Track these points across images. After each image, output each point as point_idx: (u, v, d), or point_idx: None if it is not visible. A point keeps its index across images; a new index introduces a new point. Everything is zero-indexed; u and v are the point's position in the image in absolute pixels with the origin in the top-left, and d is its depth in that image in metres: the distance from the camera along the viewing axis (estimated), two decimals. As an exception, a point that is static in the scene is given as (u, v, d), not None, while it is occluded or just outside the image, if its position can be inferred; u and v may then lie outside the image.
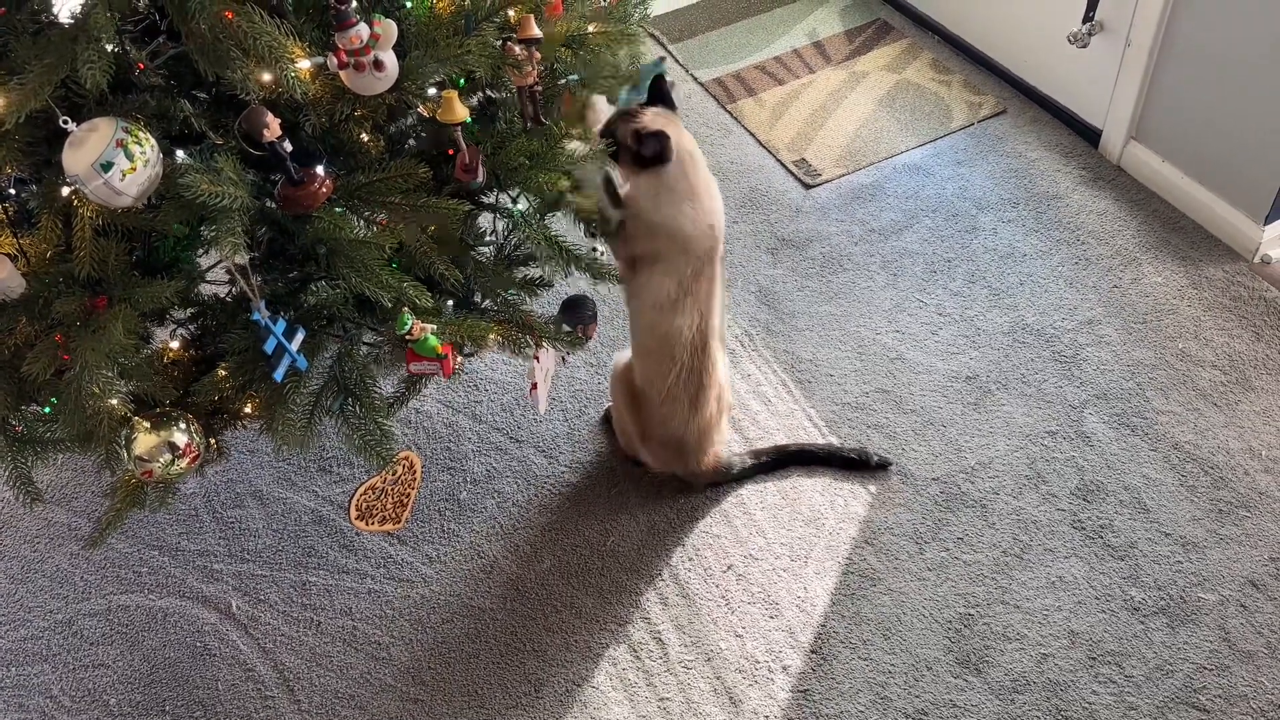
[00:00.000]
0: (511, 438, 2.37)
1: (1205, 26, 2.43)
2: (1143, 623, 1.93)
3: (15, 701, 1.99)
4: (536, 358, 1.97)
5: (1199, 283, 2.51)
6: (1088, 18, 2.74)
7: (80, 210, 1.43)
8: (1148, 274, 2.55)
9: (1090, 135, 2.91)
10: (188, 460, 1.54)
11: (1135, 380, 2.32)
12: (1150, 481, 2.13)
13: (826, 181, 2.89)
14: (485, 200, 1.89)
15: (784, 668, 1.93)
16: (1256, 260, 2.53)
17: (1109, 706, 1.83)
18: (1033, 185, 2.83)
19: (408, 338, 1.59)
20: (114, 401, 1.51)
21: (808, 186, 2.89)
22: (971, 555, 2.06)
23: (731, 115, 3.14)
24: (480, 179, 1.63)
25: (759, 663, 1.94)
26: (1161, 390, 2.29)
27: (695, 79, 3.30)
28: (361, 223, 1.61)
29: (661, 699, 1.91)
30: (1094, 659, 1.89)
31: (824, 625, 1.98)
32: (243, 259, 1.42)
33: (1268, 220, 2.47)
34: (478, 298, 1.95)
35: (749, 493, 2.20)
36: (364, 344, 1.78)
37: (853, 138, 3.02)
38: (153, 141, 1.37)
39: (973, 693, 1.87)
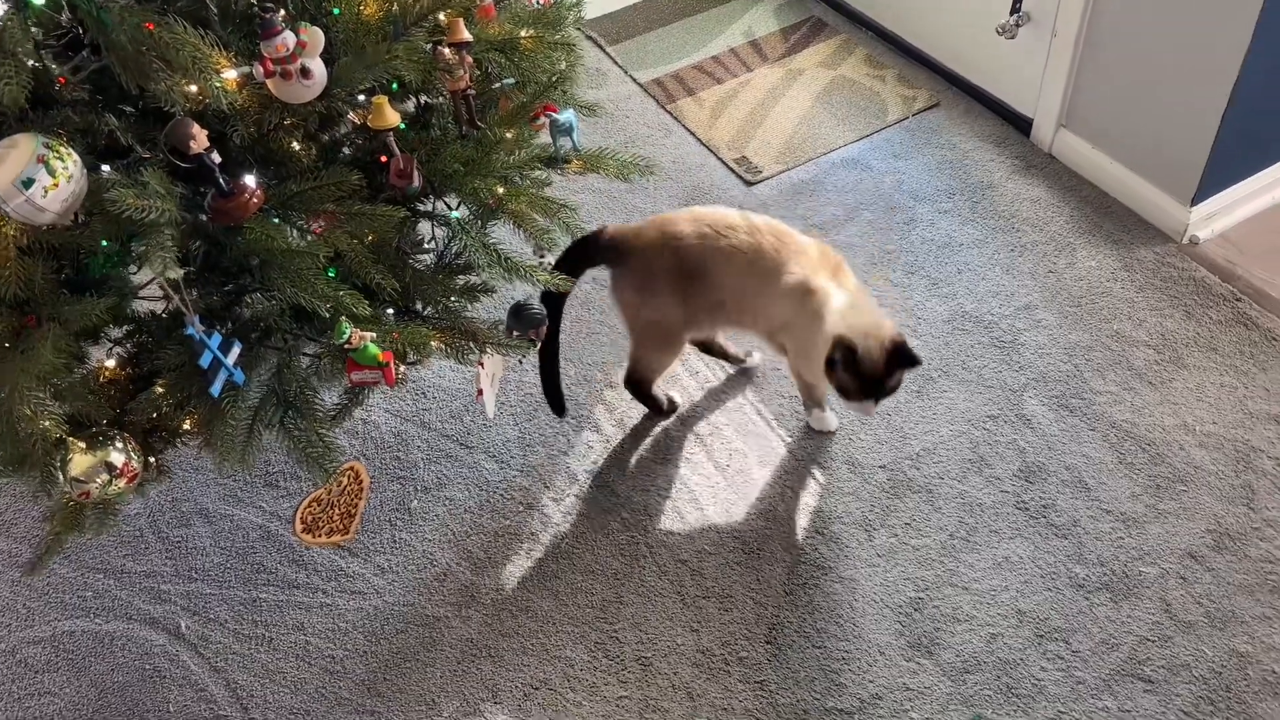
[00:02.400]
0: (461, 444, 2.36)
1: (1127, 15, 2.49)
2: (1087, 599, 1.97)
3: (-41, 735, 1.95)
4: (481, 364, 1.97)
5: (1131, 265, 2.57)
6: (1015, 9, 2.80)
7: (2, 229, 1.40)
8: (1081, 258, 2.61)
9: (1022, 124, 2.97)
10: (126, 480, 1.52)
11: (1073, 362, 2.37)
12: (1090, 460, 2.18)
13: (767, 178, 2.92)
14: (423, 208, 1.88)
15: (740, 659, 1.94)
16: (1185, 241, 2.60)
17: (1058, 682, 1.86)
18: (968, 175, 2.88)
19: (347, 347, 1.58)
20: (47, 424, 1.49)
21: (749, 184, 2.91)
22: (919, 540, 2.09)
23: (671, 115, 3.16)
24: (415, 184, 1.62)
25: (715, 655, 1.96)
26: (1098, 371, 2.35)
27: (634, 80, 3.31)
28: (296, 233, 1.59)
29: (619, 698, 1.92)
30: (1041, 636, 1.93)
31: (777, 616, 2.00)
32: (174, 273, 1.40)
33: (1194, 201, 2.54)
34: (419, 306, 1.94)
35: (701, 488, 2.22)
36: (304, 355, 1.76)
37: (791, 134, 3.05)
38: (76, 157, 1.34)
39: (925, 675, 1.90)
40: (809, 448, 2.27)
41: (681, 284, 2.07)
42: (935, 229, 2.73)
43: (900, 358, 1.86)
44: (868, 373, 1.86)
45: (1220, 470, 2.13)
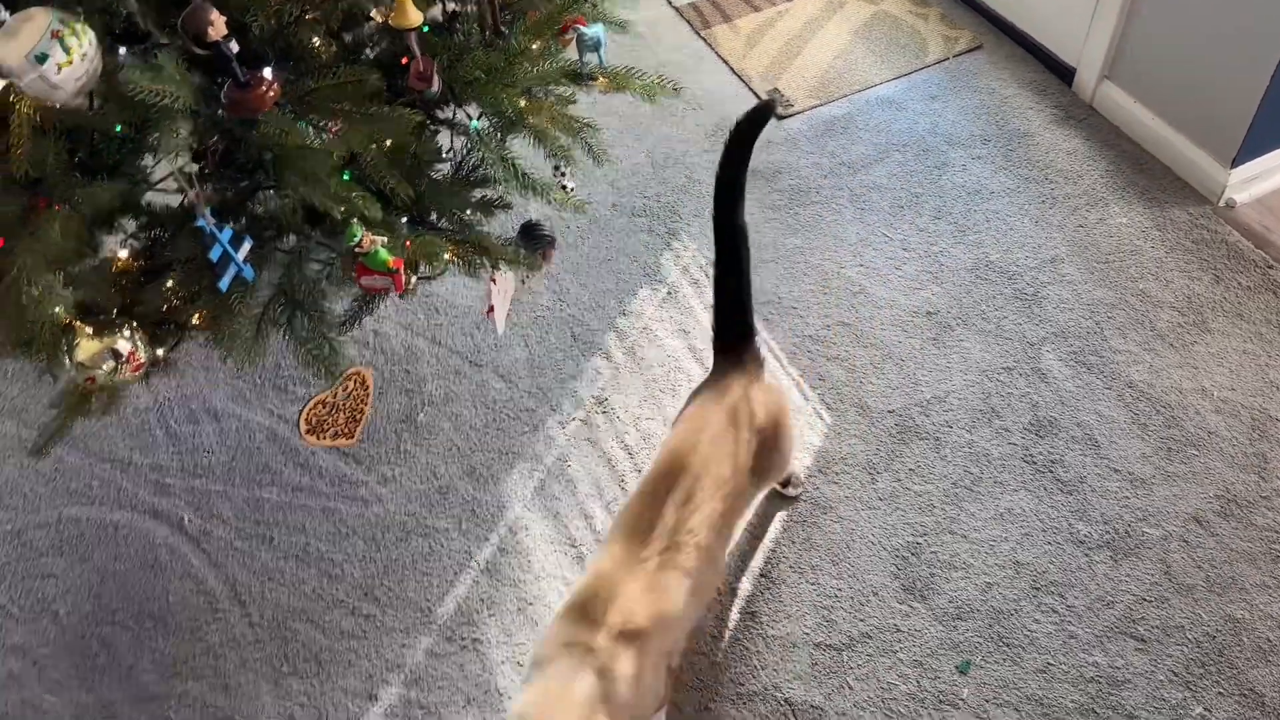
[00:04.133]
0: (471, 362, 2.35)
1: (1183, -37, 2.40)
2: (1087, 555, 1.96)
3: (-36, 610, 1.99)
4: (493, 279, 1.95)
5: (1163, 224, 2.51)
6: (1067, -48, 2.70)
7: (17, 106, 1.38)
8: (1113, 214, 2.55)
9: (1065, 74, 2.89)
10: (132, 369, 1.52)
11: (1094, 319, 2.33)
12: (1103, 419, 2.16)
13: (799, 113, 2.86)
14: (442, 116, 1.85)
15: (732, 590, 1.95)
16: (1221, 204, 2.53)
17: (1049, 634, 1.86)
18: (1004, 122, 2.81)
19: (358, 250, 1.56)
20: (58, 309, 1.49)
21: (780, 118, 2.85)
22: (922, 486, 2.08)
23: (705, 41, 3.09)
24: (435, 88, 1.59)
25: (709, 586, 1.96)
26: (1119, 330, 2.31)
27: (669, 2, 3.23)
28: (311, 130, 1.57)
29: (611, 620, 1.93)
30: (1037, 589, 1.93)
31: (774, 551, 2.00)
32: (185, 161, 1.38)
33: (1234, 163, 2.46)
34: (433, 217, 1.91)
35: (706, 421, 2.21)
36: (315, 260, 1.75)
37: (827, 69, 2.97)
38: (91, 36, 1.32)
39: (917, 618, 1.90)
40: (820, 389, 2.25)
41: None
42: (966, 175, 2.67)
43: None
44: None
45: (1234, 437, 2.10)
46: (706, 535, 1.58)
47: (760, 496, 2.03)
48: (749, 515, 2.03)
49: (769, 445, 1.75)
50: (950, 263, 2.47)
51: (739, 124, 1.71)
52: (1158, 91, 2.61)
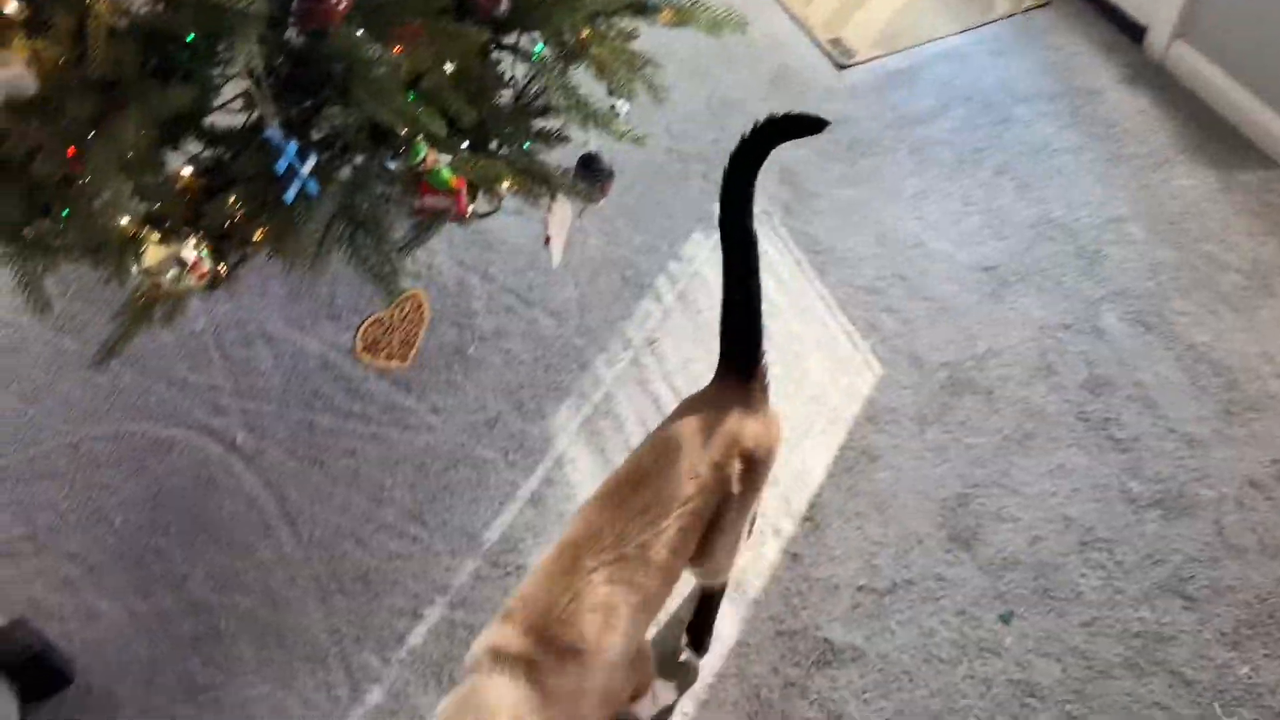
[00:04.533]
0: (522, 299, 2.36)
1: (1270, -84, 2.32)
2: (1138, 514, 1.93)
3: (24, 516, 2.04)
4: (551, 209, 1.95)
5: (1230, 187, 2.45)
6: (1147, -96, 2.62)
7: (94, 7, 1.39)
8: (1179, 175, 2.49)
9: (1135, 32, 2.81)
10: (196, 277, 1.54)
11: (1156, 280, 2.28)
12: (1161, 379, 2.12)
13: (860, 63, 2.82)
14: (506, 41, 1.84)
15: (775, 531, 1.95)
16: (1294, 168, 2.46)
17: (1096, 589, 1.85)
18: (1072, 80, 2.75)
19: (421, 168, 1.57)
20: (125, 220, 1.51)
21: (841, 67, 2.81)
22: (973, 439, 2.06)
23: (767, -10, 3.05)
24: (502, 7, 1.58)
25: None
26: (1182, 291, 2.26)
27: (732, -49, 3.18)
28: (380, 47, 1.57)
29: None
30: (1085, 544, 1.91)
31: (819, 495, 2.00)
32: (258, 69, 1.38)
33: (1311, 127, 2.40)
34: (494, 144, 1.91)
35: (756, 365, 2.20)
36: (378, 180, 1.75)
37: (891, 19, 2.92)
38: (168, -63, 1.33)
39: (961, 568, 1.89)
40: (871, 339, 2.23)
41: None
42: (1031, 131, 2.62)
43: None
44: None
45: (1296, 403, 2.06)
46: (662, 554, 1.42)
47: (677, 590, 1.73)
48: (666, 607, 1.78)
49: (740, 497, 1.53)
50: (1012, 218, 2.43)
51: (778, 121, 1.48)
52: (1231, 52, 2.53)
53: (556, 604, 1.33)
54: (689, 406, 1.58)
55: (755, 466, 1.54)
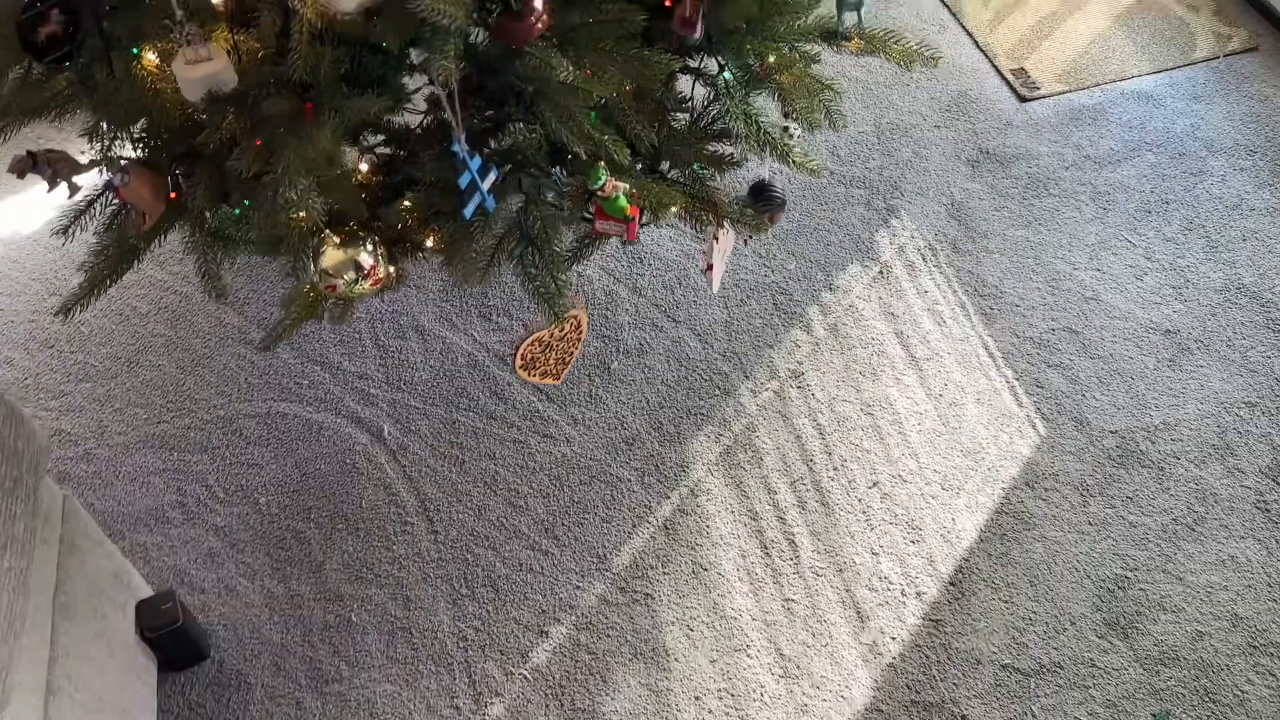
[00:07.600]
0: (669, 316, 2.32)
1: None
2: (1318, 621, 1.78)
3: (175, 485, 2.11)
4: (716, 237, 1.90)
5: None
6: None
7: (301, 11, 1.41)
8: (1396, 250, 2.28)
9: (1357, 86, 2.59)
10: (371, 282, 1.55)
11: (1359, 364, 2.10)
12: (1356, 475, 1.95)
13: (1045, 96, 2.67)
14: (690, 64, 1.80)
15: (918, 594, 1.87)
16: None
17: (1264, 699, 1.71)
18: (1276, 133, 2.55)
19: (599, 194, 1.54)
20: (303, 214, 1.52)
21: (1023, 99, 2.67)
22: (1139, 517, 1.93)
23: (950, 10, 2.92)
24: (697, 35, 1.54)
25: (892, 584, 1.89)
26: (1388, 380, 2.07)
27: (916, -32, 3.07)
28: (570, 67, 1.54)
29: (787, 599, 1.89)
30: (1255, 647, 1.77)
31: (967, 560, 1.90)
32: (453, 83, 1.38)
33: None
34: (665, 166, 1.88)
35: (907, 412, 2.11)
36: (550, 193, 1.74)
37: (1081, 53, 2.76)
38: (382, -51, 1.32)
39: (1116, 656, 1.77)
40: (1035, 396, 2.11)
41: None
42: (1226, 186, 2.44)
43: None
44: None
45: None
46: None
47: None
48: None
49: None
50: (1197, 280, 2.27)
51: None
52: None
53: None
54: None
55: None
